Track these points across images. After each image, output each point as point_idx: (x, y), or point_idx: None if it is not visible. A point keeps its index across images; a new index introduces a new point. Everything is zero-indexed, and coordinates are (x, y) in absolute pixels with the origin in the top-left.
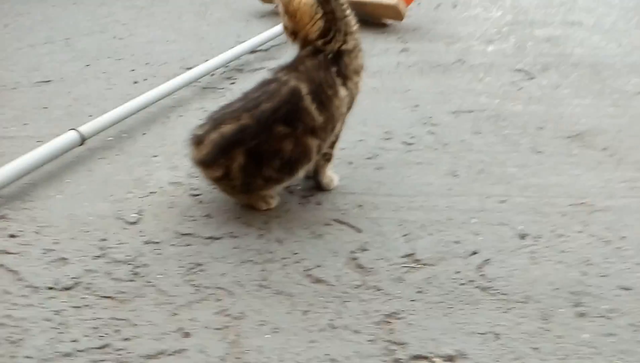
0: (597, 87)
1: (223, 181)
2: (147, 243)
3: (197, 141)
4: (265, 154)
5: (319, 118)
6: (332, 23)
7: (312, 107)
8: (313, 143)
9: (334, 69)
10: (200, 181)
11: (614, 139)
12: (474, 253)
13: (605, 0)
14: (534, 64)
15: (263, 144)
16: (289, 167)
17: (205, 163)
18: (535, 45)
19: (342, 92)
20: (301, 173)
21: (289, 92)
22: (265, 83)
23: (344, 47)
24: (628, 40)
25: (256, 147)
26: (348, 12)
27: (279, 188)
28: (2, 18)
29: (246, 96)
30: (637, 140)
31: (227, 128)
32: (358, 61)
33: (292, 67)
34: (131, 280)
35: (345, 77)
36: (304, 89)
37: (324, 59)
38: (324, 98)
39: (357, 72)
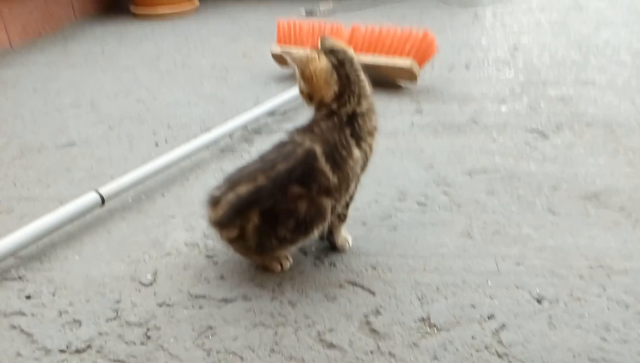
0: (612, 147)
1: (238, 241)
2: (160, 305)
3: (214, 202)
4: (280, 215)
5: (333, 179)
6: (346, 87)
7: (327, 168)
8: (328, 203)
9: (348, 131)
10: (215, 242)
11: (630, 199)
12: (490, 317)
13: (617, 59)
14: (548, 124)
15: (278, 204)
16: (304, 227)
17: (221, 224)
18: (548, 104)
19: (356, 153)
20: (316, 233)
21: (304, 153)
22: (281, 145)
23: (357, 109)
24: None
25: (271, 207)
26: (362, 76)
27: (293, 249)
28: (32, 82)
29: (262, 158)
30: None
31: (243, 189)
32: (372, 123)
33: (307, 129)
34: (143, 344)
35: (359, 139)
36: (319, 150)
37: (339, 121)
38: (338, 159)
39: (371, 133)
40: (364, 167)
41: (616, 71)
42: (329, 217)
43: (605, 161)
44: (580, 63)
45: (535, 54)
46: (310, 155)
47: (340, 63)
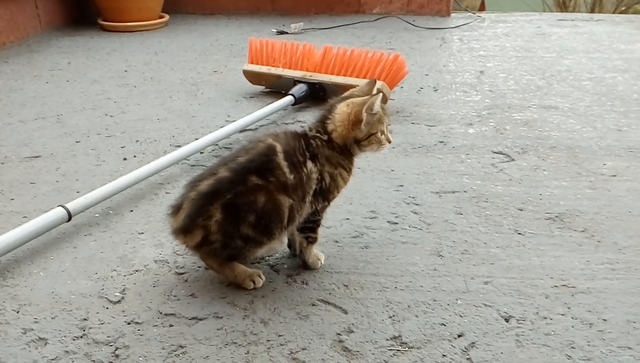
0: (574, 170)
1: (203, 246)
2: (129, 323)
3: (175, 209)
4: (241, 207)
5: (290, 176)
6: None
7: (284, 164)
8: (285, 201)
9: (303, 143)
10: (185, 259)
11: (592, 220)
12: (460, 335)
13: (579, 85)
14: (513, 147)
15: (239, 196)
16: (264, 225)
17: (184, 229)
18: (513, 128)
19: (310, 164)
20: (278, 236)
21: (264, 147)
22: (244, 144)
23: (319, 135)
24: (602, 124)
25: (233, 199)
26: (338, 121)
27: (260, 252)
28: None
29: (224, 157)
30: (615, 222)
31: (204, 184)
32: (335, 156)
33: (272, 133)
34: None
35: (313, 156)
36: (279, 147)
37: (300, 135)
38: (295, 161)
39: (332, 163)
40: (325, 193)
41: (578, 96)
42: (285, 218)
43: (569, 183)
44: (543, 88)
45: (501, 78)
46: (270, 149)
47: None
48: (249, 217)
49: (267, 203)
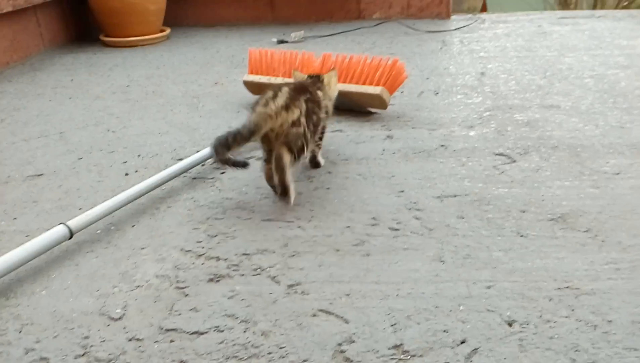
0: (577, 169)
1: (293, 128)
2: (130, 340)
3: (270, 98)
4: (310, 109)
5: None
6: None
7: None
8: (322, 115)
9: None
10: (186, 274)
11: (595, 220)
12: (463, 342)
13: (580, 83)
14: (515, 148)
15: (312, 96)
16: (313, 130)
17: (285, 106)
18: (515, 129)
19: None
20: (309, 147)
21: (289, 84)
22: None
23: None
24: (605, 122)
25: (310, 97)
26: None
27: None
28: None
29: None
30: (619, 221)
31: (284, 90)
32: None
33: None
34: None
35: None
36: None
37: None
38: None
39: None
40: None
41: (580, 94)
42: (318, 132)
43: (571, 183)
44: (545, 88)
45: (502, 79)
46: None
47: None
48: (313, 118)
49: (317, 113)
